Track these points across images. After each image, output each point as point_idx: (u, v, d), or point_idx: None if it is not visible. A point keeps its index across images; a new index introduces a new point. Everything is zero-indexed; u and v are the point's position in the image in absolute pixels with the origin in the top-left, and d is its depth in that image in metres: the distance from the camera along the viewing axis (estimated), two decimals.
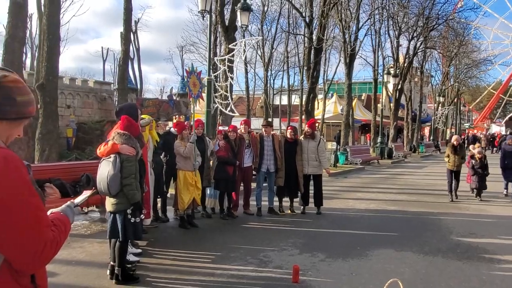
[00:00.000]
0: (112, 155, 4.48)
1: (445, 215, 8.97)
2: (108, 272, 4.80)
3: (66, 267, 5.14)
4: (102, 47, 50.63)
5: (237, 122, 12.06)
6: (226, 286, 4.62)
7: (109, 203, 4.63)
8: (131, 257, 5.37)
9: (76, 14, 64.63)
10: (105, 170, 4.46)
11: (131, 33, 34.37)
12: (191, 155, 7.15)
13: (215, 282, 4.74)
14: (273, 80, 34.05)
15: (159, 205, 7.82)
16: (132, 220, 4.62)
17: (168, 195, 8.13)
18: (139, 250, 5.47)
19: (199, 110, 23.16)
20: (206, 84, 10.69)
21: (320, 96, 32.62)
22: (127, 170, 4.49)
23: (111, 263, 4.78)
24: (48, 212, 1.59)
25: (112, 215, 4.67)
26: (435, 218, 8.69)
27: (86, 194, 1.78)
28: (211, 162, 8.01)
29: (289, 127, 9.01)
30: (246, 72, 31.22)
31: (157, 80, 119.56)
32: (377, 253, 6.01)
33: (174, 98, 25.04)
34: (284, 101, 36.56)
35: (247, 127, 8.72)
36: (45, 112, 9.94)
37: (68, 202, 1.68)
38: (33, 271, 1.44)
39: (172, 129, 7.70)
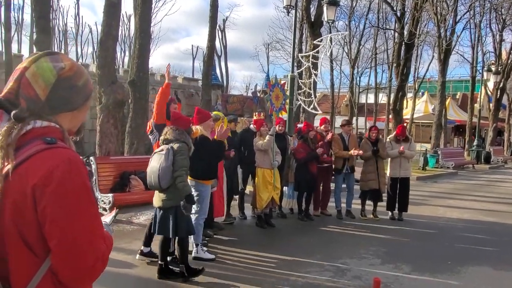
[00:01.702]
0: (165, 148, 4.43)
1: None
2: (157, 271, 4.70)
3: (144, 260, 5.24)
4: (192, 45, 52.79)
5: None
6: None
7: (159, 198, 4.55)
8: (206, 255, 5.35)
9: (168, 14, 67.80)
10: (156, 164, 4.41)
11: (220, 31, 35.42)
12: (269, 149, 7.00)
13: None
14: (360, 77, 32.90)
15: (236, 202, 7.82)
16: (186, 213, 4.48)
17: (247, 191, 8.07)
18: (213, 256, 5.40)
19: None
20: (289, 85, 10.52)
21: (409, 95, 30.91)
22: (179, 163, 4.39)
23: (169, 260, 4.75)
24: None
25: (161, 211, 4.55)
26: None
27: (112, 214, 1.74)
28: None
29: (373, 128, 8.53)
30: (332, 69, 30.50)
31: (243, 77, 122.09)
32: (472, 270, 5.37)
33: (258, 95, 25.26)
34: (371, 99, 35.21)
35: (327, 125, 8.47)
36: (135, 107, 10.40)
37: (104, 222, 1.58)
38: (82, 285, 1.33)
39: (252, 126, 7.61)
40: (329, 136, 8.14)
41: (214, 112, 6.99)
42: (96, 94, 8.54)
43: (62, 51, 36.31)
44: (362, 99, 36.47)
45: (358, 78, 32.20)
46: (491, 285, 4.88)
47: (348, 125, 8.58)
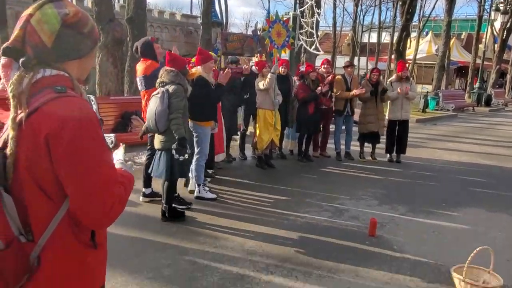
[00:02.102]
0: (161, 91, 4.41)
1: None
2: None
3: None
4: None
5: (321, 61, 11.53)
6: (298, 234, 4.53)
7: (158, 140, 4.59)
8: (208, 194, 5.50)
9: None
10: (153, 107, 4.41)
11: None
12: (270, 88, 6.95)
13: (288, 227, 4.68)
14: (363, 16, 32.01)
15: (237, 142, 7.90)
16: (176, 157, 4.50)
17: (248, 132, 8.12)
18: (214, 196, 5.54)
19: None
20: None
21: (413, 34, 30.16)
22: (174, 106, 4.39)
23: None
24: None
25: (159, 153, 4.63)
26: None
27: (121, 149, 1.74)
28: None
29: (374, 70, 8.42)
30: (335, 7, 29.54)
31: (243, 14, 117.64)
32: (466, 212, 5.54)
33: (259, 33, 24.62)
34: (373, 38, 34.41)
35: (328, 66, 8.38)
36: (133, 45, 10.17)
37: (118, 160, 1.62)
38: (102, 227, 1.43)
39: (254, 68, 7.50)
40: (329, 78, 8.02)
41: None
42: None
43: None
44: (365, 39, 35.66)
45: (361, 17, 31.34)
46: (482, 226, 5.04)
47: (351, 66, 8.47)
